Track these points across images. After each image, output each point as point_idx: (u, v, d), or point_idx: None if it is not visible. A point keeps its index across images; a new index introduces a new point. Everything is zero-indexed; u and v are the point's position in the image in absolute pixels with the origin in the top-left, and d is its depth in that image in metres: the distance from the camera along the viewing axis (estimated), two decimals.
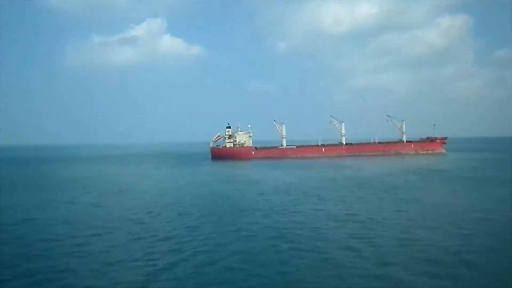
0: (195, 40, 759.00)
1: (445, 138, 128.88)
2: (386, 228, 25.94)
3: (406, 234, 24.28)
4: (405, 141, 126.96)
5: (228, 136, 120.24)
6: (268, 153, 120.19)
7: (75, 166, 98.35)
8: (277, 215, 30.84)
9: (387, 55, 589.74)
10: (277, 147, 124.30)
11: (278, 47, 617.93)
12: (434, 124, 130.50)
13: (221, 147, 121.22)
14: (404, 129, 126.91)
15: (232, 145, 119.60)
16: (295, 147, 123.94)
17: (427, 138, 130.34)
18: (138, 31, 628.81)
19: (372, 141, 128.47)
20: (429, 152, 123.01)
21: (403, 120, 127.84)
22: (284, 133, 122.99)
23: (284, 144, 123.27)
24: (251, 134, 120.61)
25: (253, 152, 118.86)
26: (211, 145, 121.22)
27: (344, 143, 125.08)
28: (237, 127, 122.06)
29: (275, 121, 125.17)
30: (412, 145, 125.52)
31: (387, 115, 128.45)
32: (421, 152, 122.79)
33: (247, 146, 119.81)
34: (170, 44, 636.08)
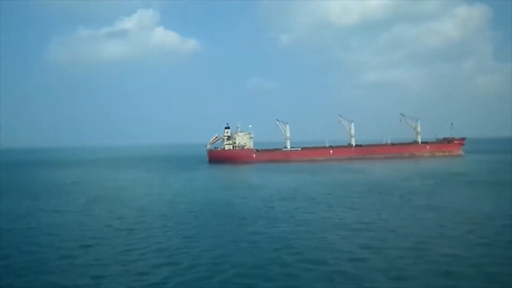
0: (190, 33, 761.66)
1: (464, 138, 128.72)
2: (401, 238, 25.74)
3: (423, 245, 24.07)
4: (420, 142, 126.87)
5: (226, 137, 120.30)
6: (271, 155, 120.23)
7: (61, 170, 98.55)
8: (281, 223, 30.70)
9: (399, 49, 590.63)
10: (280, 149, 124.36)
11: (280, 40, 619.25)
12: (452, 124, 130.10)
13: (219, 149, 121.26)
14: (419, 129, 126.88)
15: (231, 147, 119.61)
16: (300, 149, 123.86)
17: (444, 139, 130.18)
18: (129, 23, 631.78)
19: (384, 142, 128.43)
20: (446, 154, 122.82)
21: (418, 119, 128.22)
22: (288, 134, 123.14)
23: (288, 146, 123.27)
24: (252, 135, 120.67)
25: (254, 155, 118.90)
26: (208, 147, 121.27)
27: (353, 145, 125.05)
28: (237, 128, 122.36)
29: (278, 120, 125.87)
30: (427, 147, 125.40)
31: (400, 114, 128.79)
32: (437, 154, 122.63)
33: (247, 148, 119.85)
34: (163, 37, 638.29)
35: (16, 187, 60.91)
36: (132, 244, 25.67)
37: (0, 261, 22.75)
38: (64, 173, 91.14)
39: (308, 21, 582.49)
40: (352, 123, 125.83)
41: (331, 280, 18.93)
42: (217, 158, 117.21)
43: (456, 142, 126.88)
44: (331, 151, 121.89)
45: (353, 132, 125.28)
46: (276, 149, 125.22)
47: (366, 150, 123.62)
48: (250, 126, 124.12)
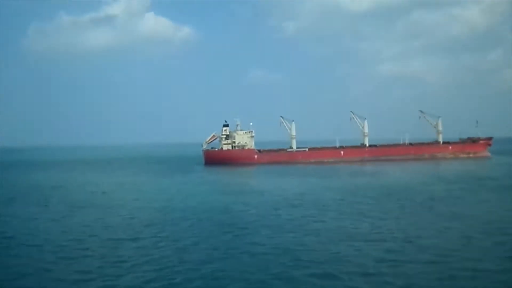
0: (184, 20, 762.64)
1: (490, 138, 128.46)
2: (421, 250, 25.60)
3: (446, 258, 23.92)
4: (441, 142, 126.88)
5: (225, 136, 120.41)
6: (274, 157, 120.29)
7: (41, 173, 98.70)
8: (287, 233, 30.64)
9: (418, 37, 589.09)
10: (285, 149, 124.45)
11: (285, 28, 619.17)
12: (477, 121, 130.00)
13: (216, 149, 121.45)
14: (440, 128, 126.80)
15: (230, 147, 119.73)
16: (307, 149, 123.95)
17: (469, 138, 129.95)
18: (116, 9, 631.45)
19: (401, 143, 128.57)
20: (471, 155, 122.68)
21: (439, 117, 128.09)
22: (293, 133, 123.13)
23: (294, 146, 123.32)
24: (253, 134, 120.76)
25: (255, 156, 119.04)
26: (204, 147, 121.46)
27: (367, 145, 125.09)
28: (236, 125, 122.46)
29: (282, 117, 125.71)
30: (450, 147, 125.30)
31: (420, 111, 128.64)
32: (461, 155, 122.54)
33: (248, 148, 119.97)
34: (154, 24, 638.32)
35: None
36: (119, 257, 25.59)
37: None
38: (45, 175, 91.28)
39: (316, 7, 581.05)
40: (366, 121, 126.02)
41: None
42: (214, 159, 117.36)
43: (481, 142, 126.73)
44: (341, 152, 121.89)
45: (366, 130, 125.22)
46: (280, 150, 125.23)
47: (381, 151, 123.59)
48: (251, 123, 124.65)
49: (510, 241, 27.66)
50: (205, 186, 64.32)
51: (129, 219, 37.88)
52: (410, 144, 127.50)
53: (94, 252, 26.87)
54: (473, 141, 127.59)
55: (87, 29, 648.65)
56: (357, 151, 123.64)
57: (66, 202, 48.88)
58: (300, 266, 22.99)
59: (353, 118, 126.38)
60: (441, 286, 19.94)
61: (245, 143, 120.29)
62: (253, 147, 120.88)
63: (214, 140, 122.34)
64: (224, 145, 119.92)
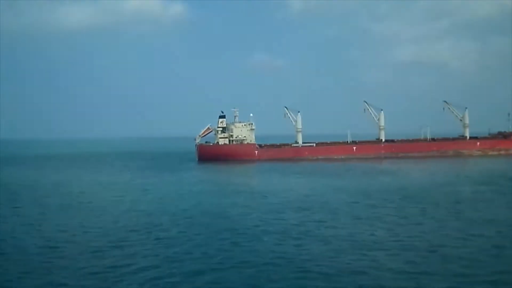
0: None
1: None
2: (447, 262, 25.43)
3: (475, 270, 23.76)
4: (468, 138, 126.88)
5: (221, 129, 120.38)
6: (278, 153, 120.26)
7: (10, 169, 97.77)
8: (293, 241, 30.51)
9: (441, 18, 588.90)
10: (289, 144, 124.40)
11: (291, 7, 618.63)
12: (509, 114, 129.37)
13: (211, 144, 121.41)
14: (467, 121, 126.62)
15: (227, 141, 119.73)
16: (315, 144, 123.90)
17: (499, 133, 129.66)
18: None
19: (422, 137, 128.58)
20: (502, 152, 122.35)
21: (466, 108, 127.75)
22: (299, 126, 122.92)
23: (300, 141, 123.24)
24: (253, 127, 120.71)
25: (256, 152, 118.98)
26: (197, 141, 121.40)
27: (383, 140, 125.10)
28: (235, 117, 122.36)
29: (287, 108, 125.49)
30: (478, 143, 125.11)
31: (444, 101, 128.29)
32: (490, 152, 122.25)
33: (248, 143, 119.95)
34: (140, 0, 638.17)
35: None
36: (99, 268, 25.46)
37: None
38: (14, 172, 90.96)
39: None
40: (382, 112, 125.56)
41: None
42: (208, 155, 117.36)
43: None
44: (354, 148, 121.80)
45: (382, 123, 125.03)
46: (285, 145, 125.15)
47: (399, 147, 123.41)
48: (251, 115, 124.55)
49: None
50: (199, 186, 64.19)
51: (112, 223, 37.74)
52: (433, 139, 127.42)
53: (70, 262, 26.67)
54: (505, 136, 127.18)
55: (64, 6, 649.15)
56: (371, 147, 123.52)
57: (37, 204, 48.78)
58: (307, 279, 22.82)
59: (367, 109, 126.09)
60: None
61: (244, 137, 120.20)
62: (253, 141, 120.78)
63: (208, 133, 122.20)
64: (220, 139, 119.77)
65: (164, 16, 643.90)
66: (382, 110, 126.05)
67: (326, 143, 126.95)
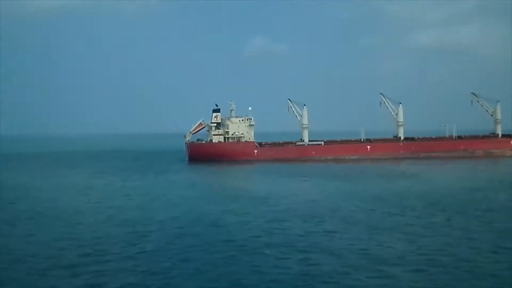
0: None
1: None
2: (481, 280, 25.17)
3: None
4: (500, 135, 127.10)
5: (215, 124, 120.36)
6: (280, 152, 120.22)
7: None
8: (300, 255, 30.26)
9: None
10: (294, 142, 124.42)
11: None
12: None
13: (204, 142, 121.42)
14: (499, 116, 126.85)
15: (222, 139, 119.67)
16: (323, 143, 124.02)
17: None
18: None
19: (447, 135, 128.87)
20: None
21: (498, 102, 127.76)
22: (305, 121, 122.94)
23: (306, 139, 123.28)
24: (252, 122, 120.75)
25: (255, 151, 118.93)
26: (188, 138, 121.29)
27: (402, 138, 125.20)
28: (231, 110, 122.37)
29: (291, 101, 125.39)
30: (511, 142, 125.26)
31: (472, 93, 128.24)
32: None
33: (246, 141, 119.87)
34: None
35: None
36: (74, 286, 25.15)
37: None
38: None
39: None
40: (400, 106, 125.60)
41: None
42: (201, 154, 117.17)
43: None
44: (368, 147, 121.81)
45: (401, 119, 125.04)
46: (288, 143, 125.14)
47: (420, 146, 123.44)
48: (249, 108, 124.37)
49: None
50: (189, 191, 64.04)
51: (88, 234, 37.47)
52: (459, 137, 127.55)
53: (38, 280, 26.34)
54: None
55: None
56: (389, 145, 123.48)
57: (1, 211, 48.57)
58: None
59: (384, 103, 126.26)
60: None
61: (242, 133, 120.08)
62: (252, 139, 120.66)
63: (201, 129, 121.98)
64: (214, 137, 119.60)
65: None
66: (400, 103, 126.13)
67: (336, 142, 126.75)
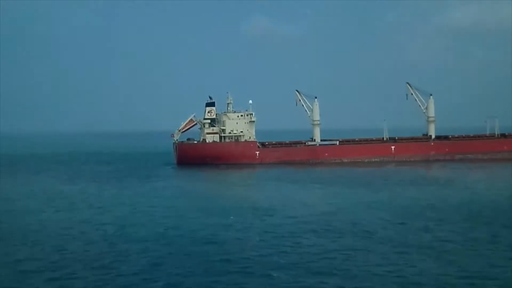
0: None
1: None
2: None
3: None
4: None
5: (209, 121, 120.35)
6: (287, 154, 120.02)
7: None
8: (315, 279, 29.83)
9: None
10: (303, 142, 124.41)
11: None
12: None
13: (196, 142, 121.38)
14: None
15: (217, 138, 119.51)
16: (337, 143, 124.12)
17: None
18: None
19: (488, 133, 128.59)
20: None
21: None
22: (316, 117, 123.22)
23: (318, 138, 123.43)
24: (253, 118, 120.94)
25: (257, 153, 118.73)
26: (176, 138, 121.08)
27: (433, 136, 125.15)
28: (228, 104, 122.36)
29: (299, 93, 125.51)
30: None
31: None
32: None
33: (246, 140, 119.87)
34: None
35: None
36: None
37: None
38: None
39: None
40: (431, 98, 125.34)
41: None
42: (192, 157, 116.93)
43: None
44: (393, 148, 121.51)
45: (432, 113, 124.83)
46: (296, 143, 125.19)
47: (455, 146, 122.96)
48: (250, 101, 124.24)
49: None
50: (178, 201, 63.97)
51: (55, 254, 37.15)
52: (503, 135, 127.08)
53: None
54: None
55: None
56: (417, 145, 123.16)
57: None
58: None
59: (411, 95, 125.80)
60: None
61: (241, 132, 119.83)
62: (253, 138, 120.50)
63: (192, 127, 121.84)
64: (207, 135, 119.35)
65: None
66: (431, 95, 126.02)
67: (354, 141, 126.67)
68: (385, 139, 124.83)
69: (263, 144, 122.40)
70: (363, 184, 76.87)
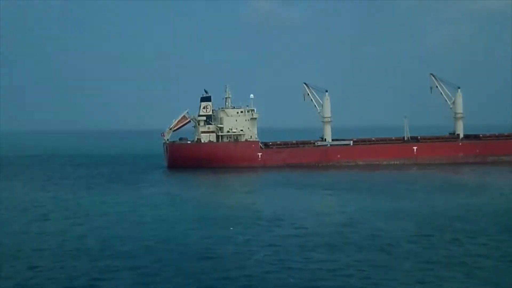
0: None
1: None
2: None
3: None
4: None
5: (204, 118, 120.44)
6: (293, 155, 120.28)
7: None
8: None
9: None
10: (312, 142, 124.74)
11: None
12: None
13: (189, 142, 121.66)
14: None
15: (213, 137, 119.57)
16: (351, 143, 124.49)
17: None
18: None
19: None
20: None
21: None
22: (327, 113, 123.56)
23: (329, 137, 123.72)
24: (255, 115, 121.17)
25: (259, 154, 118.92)
26: (167, 137, 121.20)
27: (461, 136, 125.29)
28: (225, 99, 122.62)
29: (307, 85, 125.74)
30: None
31: None
32: None
33: (246, 140, 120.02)
34: None
35: None
36: None
37: None
38: None
39: None
40: (459, 92, 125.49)
41: None
42: (185, 159, 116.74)
43: None
44: (415, 148, 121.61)
45: (459, 109, 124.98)
46: (304, 143, 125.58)
47: (487, 147, 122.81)
48: (251, 96, 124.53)
49: None
50: (169, 209, 63.98)
51: (27, 272, 36.89)
52: None
53: None
54: None
55: None
56: (443, 146, 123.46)
57: None
58: None
59: (436, 87, 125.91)
60: None
61: (241, 130, 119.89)
62: (255, 138, 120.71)
63: (185, 125, 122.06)
64: (202, 134, 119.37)
65: None
66: (459, 88, 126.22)
67: (370, 141, 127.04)
68: (406, 138, 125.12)
69: (266, 145, 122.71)
70: (382, 190, 76.96)
